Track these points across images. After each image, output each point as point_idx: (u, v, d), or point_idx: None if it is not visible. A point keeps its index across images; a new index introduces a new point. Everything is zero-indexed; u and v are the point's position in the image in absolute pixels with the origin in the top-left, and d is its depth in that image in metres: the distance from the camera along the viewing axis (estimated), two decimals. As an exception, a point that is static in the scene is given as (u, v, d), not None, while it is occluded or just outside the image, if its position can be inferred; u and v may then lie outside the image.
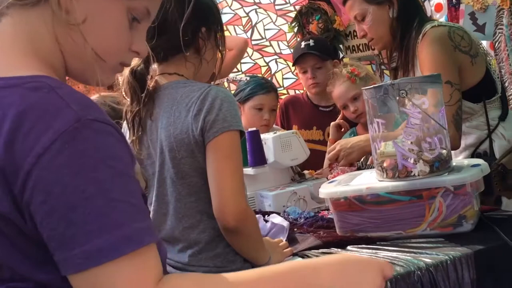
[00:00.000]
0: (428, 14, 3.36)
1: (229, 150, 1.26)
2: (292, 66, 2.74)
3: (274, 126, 2.47)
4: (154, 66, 1.40)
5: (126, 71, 1.34)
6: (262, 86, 2.38)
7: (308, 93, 2.72)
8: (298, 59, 2.59)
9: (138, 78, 1.35)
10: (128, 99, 1.36)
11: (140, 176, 0.87)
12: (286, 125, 2.66)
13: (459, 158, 1.76)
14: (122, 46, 0.80)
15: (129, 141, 1.39)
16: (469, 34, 1.78)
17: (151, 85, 1.38)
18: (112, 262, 0.64)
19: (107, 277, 0.65)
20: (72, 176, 0.64)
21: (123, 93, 1.38)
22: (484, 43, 3.06)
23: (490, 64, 1.79)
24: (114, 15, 0.77)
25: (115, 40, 0.79)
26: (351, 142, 1.92)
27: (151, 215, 1.41)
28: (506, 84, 2.95)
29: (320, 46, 2.66)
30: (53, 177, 0.64)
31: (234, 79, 2.62)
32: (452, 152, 1.76)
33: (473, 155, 1.76)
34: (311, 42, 2.63)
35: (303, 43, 2.63)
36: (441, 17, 3.21)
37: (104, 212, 0.65)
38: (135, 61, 1.37)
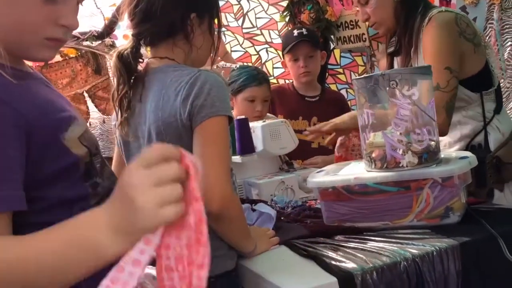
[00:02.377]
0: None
1: (215, 135, 1.25)
2: (282, 53, 2.70)
3: (267, 114, 2.46)
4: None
5: (114, 55, 1.34)
6: (254, 77, 2.36)
7: (294, 83, 2.71)
8: (291, 47, 2.57)
9: (125, 60, 1.34)
10: (115, 82, 1.35)
11: (76, 143, 0.87)
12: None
13: (453, 149, 1.76)
14: (34, 23, 0.80)
15: (117, 123, 1.38)
16: (473, 23, 1.79)
17: (142, 68, 1.37)
18: None
19: None
20: None
21: (112, 75, 1.37)
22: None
23: (488, 56, 1.79)
24: None
25: (21, 19, 0.79)
26: (330, 123, 1.95)
27: None
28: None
29: (313, 36, 2.65)
30: None
31: (224, 66, 2.60)
32: (447, 142, 1.78)
33: (467, 146, 1.76)
34: (304, 30, 2.61)
35: (296, 32, 2.61)
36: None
37: None
38: (124, 45, 1.36)
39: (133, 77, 1.36)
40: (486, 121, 1.76)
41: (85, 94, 3.60)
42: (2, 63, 0.82)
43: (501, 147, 1.73)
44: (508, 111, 2.93)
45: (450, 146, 1.78)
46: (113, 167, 1.56)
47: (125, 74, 1.34)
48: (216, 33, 1.43)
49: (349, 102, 2.91)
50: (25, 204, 0.78)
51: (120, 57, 1.34)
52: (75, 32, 3.38)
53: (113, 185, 0.96)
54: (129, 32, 1.39)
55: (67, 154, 0.86)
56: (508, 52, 2.83)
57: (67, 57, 3.48)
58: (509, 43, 2.81)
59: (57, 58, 3.35)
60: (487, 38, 2.92)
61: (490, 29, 2.87)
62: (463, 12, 1.95)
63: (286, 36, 2.72)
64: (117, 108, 1.37)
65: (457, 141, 1.79)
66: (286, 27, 3.68)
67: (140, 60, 1.38)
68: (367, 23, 1.99)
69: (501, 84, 2.89)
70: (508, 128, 1.79)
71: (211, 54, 1.44)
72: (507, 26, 2.79)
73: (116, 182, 0.95)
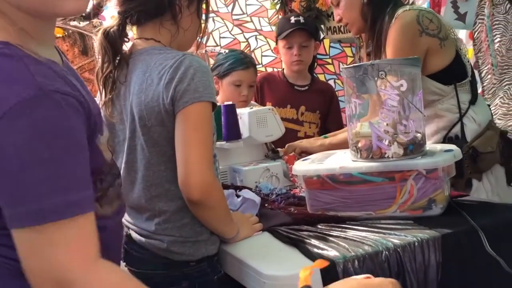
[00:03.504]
0: (411, 0, 3.36)
1: (197, 121, 1.24)
2: (277, 39, 2.67)
3: (251, 102, 2.45)
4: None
5: (99, 32, 1.32)
6: (241, 61, 2.35)
7: (285, 71, 2.70)
8: (287, 34, 2.55)
9: (111, 39, 1.32)
10: (99, 60, 1.34)
11: (106, 147, 0.88)
12: (260, 102, 2.63)
13: (430, 142, 1.77)
14: None
15: (101, 103, 1.36)
16: (439, 18, 1.82)
17: (128, 48, 1.35)
18: (57, 223, 0.70)
19: (49, 237, 0.70)
20: (29, 140, 0.69)
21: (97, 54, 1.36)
22: (464, 33, 3.08)
23: (460, 49, 1.82)
24: None
25: None
26: (313, 145, 2.05)
27: None
28: (483, 74, 2.98)
29: (310, 25, 2.64)
30: (11, 140, 0.68)
31: (213, 51, 2.57)
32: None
33: (445, 138, 1.79)
34: (301, 18, 2.59)
35: (293, 19, 2.59)
36: (424, 4, 3.20)
37: (55, 177, 0.70)
38: (110, 23, 1.34)
39: (118, 57, 1.34)
40: (461, 112, 1.78)
41: (71, 75, 3.55)
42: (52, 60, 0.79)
43: (477, 138, 1.76)
44: (493, 108, 2.96)
45: (428, 139, 1.79)
46: None
47: (110, 52, 1.32)
48: (204, 17, 1.41)
49: (336, 93, 2.91)
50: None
51: (106, 34, 1.32)
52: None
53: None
54: (116, 10, 1.37)
55: (98, 157, 0.85)
56: (496, 48, 2.84)
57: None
58: (498, 39, 2.82)
59: (43, 37, 3.31)
60: (476, 33, 2.93)
61: (480, 24, 2.88)
62: (428, 8, 1.98)
63: (282, 22, 2.69)
64: (101, 87, 1.35)
65: (434, 134, 1.81)
66: (277, 15, 3.66)
67: (126, 39, 1.36)
68: None
69: (487, 80, 2.92)
70: (484, 118, 1.81)
71: (198, 38, 1.43)
72: (497, 22, 2.80)
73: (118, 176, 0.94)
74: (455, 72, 1.78)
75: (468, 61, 1.84)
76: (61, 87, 0.73)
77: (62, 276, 0.70)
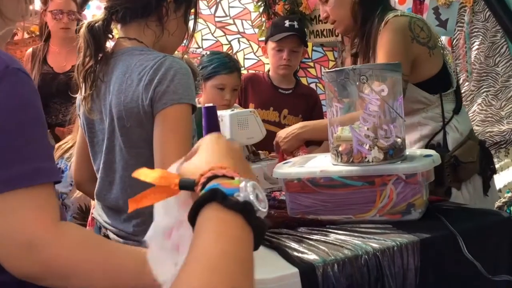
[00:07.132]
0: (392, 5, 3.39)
1: (176, 123, 1.23)
2: (266, 40, 2.66)
3: (235, 105, 2.44)
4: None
5: (84, 25, 1.30)
6: (225, 65, 2.33)
7: (271, 72, 2.69)
8: (280, 37, 2.55)
9: (94, 33, 1.30)
10: (81, 53, 1.32)
11: (50, 137, 0.96)
12: (243, 103, 2.63)
13: (413, 148, 1.79)
14: None
15: (81, 97, 1.34)
16: (429, 26, 1.82)
17: (111, 47, 1.34)
18: (25, 190, 0.75)
19: (16, 202, 0.75)
20: None
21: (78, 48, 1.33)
22: (444, 39, 3.11)
23: (446, 58, 1.83)
24: None
25: None
26: (287, 131, 2.02)
27: (97, 183, 1.38)
28: (461, 81, 3.02)
29: (303, 31, 2.64)
30: None
31: (194, 52, 2.56)
32: (407, 142, 1.80)
33: (427, 145, 1.80)
34: (295, 23, 2.58)
35: (287, 22, 2.58)
36: (405, 10, 3.23)
37: (24, 146, 0.76)
38: (95, 17, 1.33)
39: (100, 54, 1.32)
40: (445, 121, 1.79)
41: (50, 74, 3.51)
42: None
43: (459, 147, 1.77)
44: (471, 114, 3.00)
45: (410, 147, 1.80)
46: (76, 153, 1.52)
47: (92, 46, 1.30)
48: (190, 22, 1.41)
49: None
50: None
51: (90, 28, 1.30)
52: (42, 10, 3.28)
53: None
54: (99, 10, 1.36)
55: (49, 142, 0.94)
56: (475, 56, 2.88)
57: (33, 35, 3.38)
58: (476, 46, 2.86)
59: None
60: (454, 41, 2.97)
61: (459, 32, 2.92)
62: (418, 16, 1.98)
63: (276, 24, 2.67)
64: (81, 82, 1.33)
65: (416, 141, 1.82)
66: (260, 18, 3.66)
67: (110, 36, 1.34)
68: None
69: (465, 87, 2.96)
70: (466, 128, 1.83)
71: (183, 43, 1.42)
72: (476, 30, 2.85)
73: None
74: (441, 82, 1.79)
75: (454, 71, 1.85)
76: (22, 67, 0.80)
77: (28, 238, 0.75)
